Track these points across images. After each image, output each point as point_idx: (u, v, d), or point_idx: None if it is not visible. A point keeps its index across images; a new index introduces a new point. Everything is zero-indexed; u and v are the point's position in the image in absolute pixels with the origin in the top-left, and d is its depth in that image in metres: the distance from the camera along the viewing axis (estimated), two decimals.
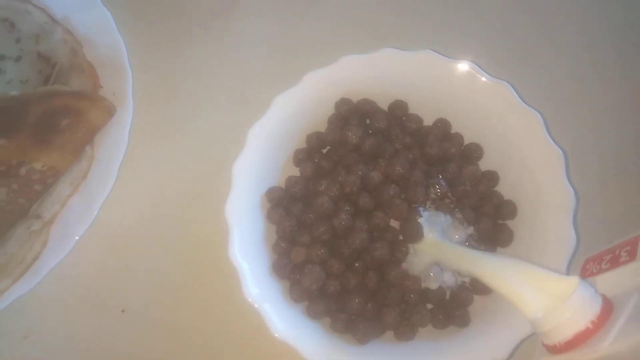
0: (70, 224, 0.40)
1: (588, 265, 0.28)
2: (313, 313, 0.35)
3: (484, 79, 0.37)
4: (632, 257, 0.20)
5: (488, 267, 0.23)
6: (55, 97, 0.41)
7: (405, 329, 0.35)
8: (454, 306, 0.36)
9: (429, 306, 0.36)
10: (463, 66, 0.37)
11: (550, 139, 0.35)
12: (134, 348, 0.39)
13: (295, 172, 0.39)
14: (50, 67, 0.43)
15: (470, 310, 0.36)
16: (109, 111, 0.41)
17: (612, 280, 0.21)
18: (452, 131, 0.40)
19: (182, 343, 0.39)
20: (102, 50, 0.44)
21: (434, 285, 0.36)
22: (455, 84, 0.38)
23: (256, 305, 0.33)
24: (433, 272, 0.35)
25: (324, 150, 0.40)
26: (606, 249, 0.26)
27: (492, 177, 0.38)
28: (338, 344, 0.34)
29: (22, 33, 0.45)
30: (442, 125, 0.39)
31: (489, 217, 0.37)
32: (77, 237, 0.39)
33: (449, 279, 0.36)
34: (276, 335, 0.33)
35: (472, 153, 0.39)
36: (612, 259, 0.24)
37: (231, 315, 0.38)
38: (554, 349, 0.21)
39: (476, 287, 0.36)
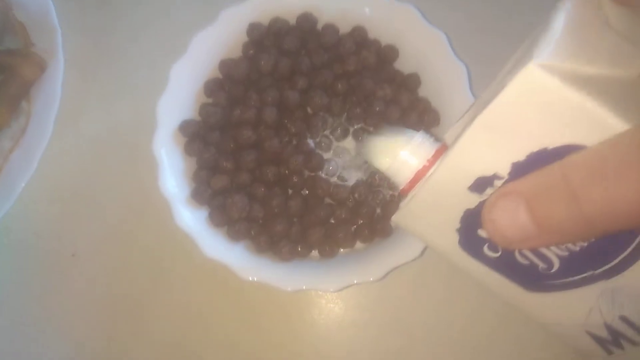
0: (13, 177, 0.42)
1: None
2: (234, 235, 0.36)
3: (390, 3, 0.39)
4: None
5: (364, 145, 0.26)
6: None
7: (328, 247, 0.37)
8: (381, 219, 0.38)
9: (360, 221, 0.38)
10: None
11: (454, 55, 0.37)
12: (86, 289, 0.41)
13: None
14: None
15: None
16: (41, 66, 0.43)
17: (454, 132, 0.24)
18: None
19: (129, 279, 0.41)
20: (31, 9, 0.45)
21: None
22: (365, 7, 0.40)
23: (187, 230, 0.36)
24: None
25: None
26: None
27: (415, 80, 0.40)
28: (266, 262, 0.37)
29: None
30: (359, 33, 0.40)
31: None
32: (22, 184, 0.41)
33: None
34: (209, 256, 0.35)
35: (387, 56, 0.40)
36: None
37: (168, 246, 0.40)
38: (403, 192, 0.23)
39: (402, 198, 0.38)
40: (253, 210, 0.37)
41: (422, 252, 0.34)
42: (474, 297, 0.39)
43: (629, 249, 0.19)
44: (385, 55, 0.40)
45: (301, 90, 0.38)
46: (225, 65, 0.39)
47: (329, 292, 0.39)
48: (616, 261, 0.19)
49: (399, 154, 0.22)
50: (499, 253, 0.21)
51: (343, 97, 0.39)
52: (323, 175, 0.39)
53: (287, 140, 0.38)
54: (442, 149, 0.22)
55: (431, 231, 0.23)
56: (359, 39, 0.39)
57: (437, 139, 0.23)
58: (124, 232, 0.42)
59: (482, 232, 0.21)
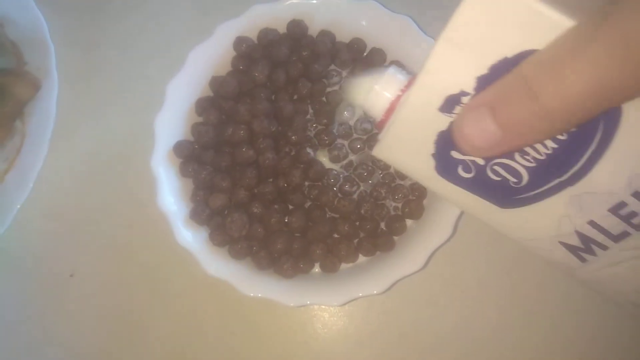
0: (9, 198, 0.41)
1: None
2: (236, 254, 0.36)
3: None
4: None
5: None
6: None
7: (330, 262, 0.37)
8: (384, 234, 0.38)
9: (362, 235, 0.38)
10: None
11: None
12: (84, 310, 0.41)
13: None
14: None
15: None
16: (34, 84, 0.42)
17: None
18: None
19: (128, 297, 0.41)
20: (24, 28, 0.45)
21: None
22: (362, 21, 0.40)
23: (189, 248, 0.35)
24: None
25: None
26: None
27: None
28: (268, 277, 0.36)
29: None
30: (358, 46, 0.40)
31: None
32: (18, 206, 0.40)
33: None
34: (211, 273, 0.35)
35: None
36: None
37: (167, 262, 0.40)
38: (380, 124, 0.24)
39: (406, 213, 0.38)
40: (253, 229, 0.36)
41: (425, 264, 0.34)
42: (476, 307, 0.39)
43: (589, 152, 0.20)
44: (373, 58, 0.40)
45: (296, 99, 0.38)
46: (216, 82, 0.39)
47: (332, 306, 0.39)
48: (579, 164, 0.20)
49: (373, 87, 0.23)
50: (473, 173, 0.22)
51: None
52: (325, 184, 0.38)
53: (286, 150, 0.38)
54: (414, 79, 0.23)
55: (409, 159, 0.24)
56: (357, 51, 0.39)
57: (409, 72, 0.24)
58: (122, 250, 0.42)
59: (455, 154, 0.22)
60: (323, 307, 0.40)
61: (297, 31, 0.39)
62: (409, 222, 0.38)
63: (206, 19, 0.46)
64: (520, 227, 0.24)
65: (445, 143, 0.22)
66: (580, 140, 0.20)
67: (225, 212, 0.36)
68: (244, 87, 0.38)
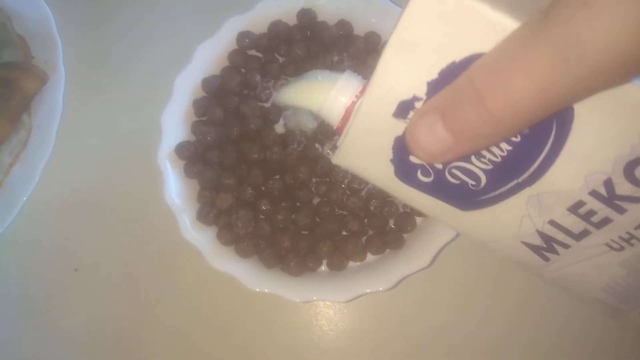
0: (15, 191, 0.41)
1: None
2: (243, 253, 0.36)
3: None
4: None
5: (289, 89, 0.26)
6: None
7: (337, 260, 0.36)
8: (393, 231, 0.37)
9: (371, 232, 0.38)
10: None
11: None
12: (89, 304, 0.41)
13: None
14: None
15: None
16: (42, 78, 0.42)
17: None
18: None
19: (133, 292, 0.40)
20: (31, 22, 0.45)
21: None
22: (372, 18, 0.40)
23: (195, 243, 0.35)
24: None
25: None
26: None
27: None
28: (274, 273, 0.36)
29: None
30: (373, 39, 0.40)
31: None
32: (24, 198, 0.40)
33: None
34: (217, 268, 0.35)
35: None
36: None
37: (173, 256, 0.40)
38: (338, 130, 0.24)
39: (415, 210, 0.37)
40: (259, 227, 0.36)
41: (432, 262, 0.34)
42: (482, 305, 0.39)
43: (544, 153, 0.20)
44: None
45: None
46: (207, 83, 0.39)
47: (338, 303, 0.39)
48: (535, 165, 0.20)
49: (329, 93, 0.23)
50: (432, 177, 0.22)
51: None
52: (333, 180, 0.38)
53: (293, 147, 0.38)
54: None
55: (368, 166, 0.24)
56: (371, 44, 0.39)
57: (364, 76, 0.23)
58: (127, 244, 0.41)
59: (413, 158, 0.22)
60: (328, 304, 0.39)
61: (306, 19, 0.39)
62: (417, 219, 0.38)
63: (214, 14, 0.46)
64: (483, 229, 0.24)
65: (403, 148, 0.22)
66: (534, 142, 0.19)
67: (232, 211, 0.36)
68: (230, 85, 0.38)
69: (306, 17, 0.39)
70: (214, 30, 0.40)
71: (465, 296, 0.39)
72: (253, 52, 0.40)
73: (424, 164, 0.22)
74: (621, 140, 0.18)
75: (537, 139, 0.19)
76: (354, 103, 0.23)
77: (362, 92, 0.23)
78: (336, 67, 0.39)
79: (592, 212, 0.20)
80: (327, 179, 0.38)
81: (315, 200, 0.38)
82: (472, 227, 0.24)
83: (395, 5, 0.39)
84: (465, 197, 0.22)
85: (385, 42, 0.20)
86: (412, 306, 0.39)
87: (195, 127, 0.38)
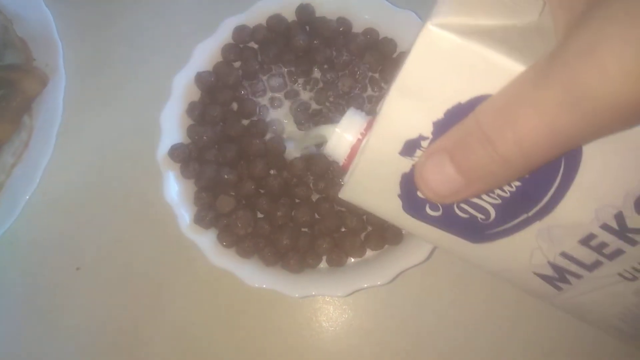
0: (16, 191, 0.42)
1: None
2: (244, 253, 0.36)
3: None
4: None
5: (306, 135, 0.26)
6: None
7: (336, 257, 0.37)
8: (392, 228, 0.37)
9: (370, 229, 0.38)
10: None
11: None
12: (90, 303, 0.41)
13: None
14: None
15: None
16: (42, 80, 0.43)
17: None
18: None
19: (135, 290, 0.41)
20: (32, 25, 0.46)
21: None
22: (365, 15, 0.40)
23: (195, 240, 0.36)
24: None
25: None
26: None
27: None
28: (274, 269, 0.36)
29: None
30: (371, 35, 0.40)
31: None
32: (26, 198, 0.41)
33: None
34: (217, 265, 0.35)
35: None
36: None
37: (173, 255, 0.40)
38: (344, 167, 0.24)
39: None
40: (258, 226, 0.36)
41: (430, 255, 0.34)
42: (481, 299, 0.39)
43: (553, 189, 0.20)
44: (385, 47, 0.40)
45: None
46: (200, 79, 0.39)
47: (337, 298, 0.39)
48: (544, 201, 0.20)
49: (334, 131, 0.24)
50: (440, 211, 0.22)
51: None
52: (331, 176, 0.38)
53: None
54: (374, 120, 0.23)
55: (375, 201, 0.24)
56: (370, 39, 0.40)
57: (368, 112, 0.24)
58: (129, 243, 0.42)
59: (421, 194, 0.22)
60: (328, 300, 0.40)
61: (305, 15, 0.40)
62: None
63: (212, 14, 0.46)
64: (494, 261, 0.24)
65: (410, 184, 0.22)
66: (543, 178, 0.20)
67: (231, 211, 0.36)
68: (225, 79, 0.39)
69: (305, 12, 0.40)
70: (212, 31, 0.40)
71: (463, 290, 0.39)
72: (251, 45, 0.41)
73: None
74: (630, 176, 0.19)
75: (546, 175, 0.20)
76: (359, 141, 0.23)
77: (367, 129, 0.23)
78: (335, 62, 0.39)
79: (604, 244, 0.20)
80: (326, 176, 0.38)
81: (314, 197, 0.38)
82: (482, 259, 0.24)
83: (389, 3, 0.39)
84: (474, 230, 0.22)
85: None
86: (410, 301, 0.39)
87: (191, 130, 0.38)
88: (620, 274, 0.21)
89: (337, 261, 0.37)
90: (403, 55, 0.38)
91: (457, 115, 0.18)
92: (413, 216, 0.23)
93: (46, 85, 0.43)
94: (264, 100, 0.40)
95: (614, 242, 0.20)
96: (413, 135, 0.20)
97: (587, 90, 0.14)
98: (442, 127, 0.19)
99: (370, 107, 0.39)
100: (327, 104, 0.38)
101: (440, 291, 0.39)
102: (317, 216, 0.38)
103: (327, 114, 0.39)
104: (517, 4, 0.18)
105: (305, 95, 0.40)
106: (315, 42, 0.39)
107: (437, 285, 0.39)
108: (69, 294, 0.41)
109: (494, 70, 0.17)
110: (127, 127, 0.45)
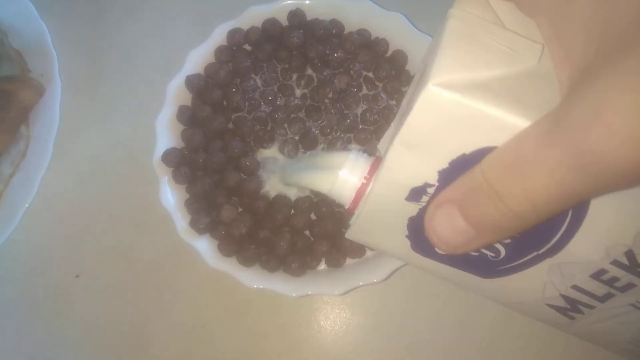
0: (15, 200, 0.42)
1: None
2: (244, 262, 0.36)
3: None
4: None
5: (290, 170, 0.27)
6: None
7: (334, 258, 0.37)
8: None
9: None
10: None
11: None
12: (91, 310, 0.41)
13: None
14: None
15: None
16: (39, 91, 0.43)
17: (386, 141, 0.25)
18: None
19: (135, 295, 0.41)
20: (27, 36, 0.46)
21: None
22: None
23: (192, 243, 0.36)
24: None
25: None
26: None
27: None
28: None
29: None
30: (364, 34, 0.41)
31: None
32: (25, 207, 0.41)
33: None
34: (214, 266, 0.36)
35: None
36: None
37: (172, 258, 0.41)
38: (350, 211, 0.24)
39: None
40: (256, 232, 0.37)
41: None
42: (477, 297, 0.39)
43: (563, 228, 0.20)
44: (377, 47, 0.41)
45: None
46: (190, 82, 0.40)
47: (334, 296, 0.40)
48: (555, 240, 0.20)
49: (338, 175, 0.24)
50: None
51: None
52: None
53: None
54: (377, 162, 0.23)
55: (384, 242, 0.24)
56: (364, 38, 0.40)
57: (370, 153, 0.24)
58: (128, 250, 0.42)
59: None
60: (326, 300, 0.40)
61: (296, 20, 0.40)
62: None
63: (204, 23, 0.47)
64: (505, 294, 0.24)
65: (418, 226, 0.22)
66: (553, 219, 0.19)
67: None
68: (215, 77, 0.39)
69: (296, 17, 0.40)
70: (206, 37, 0.41)
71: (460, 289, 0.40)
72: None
73: None
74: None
75: (558, 218, 0.20)
76: (364, 185, 0.23)
77: (371, 172, 0.23)
78: (329, 60, 0.40)
79: (615, 279, 0.21)
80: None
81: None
82: (494, 293, 0.24)
83: (378, 6, 0.40)
84: (485, 267, 0.23)
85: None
86: (407, 299, 0.40)
87: (183, 134, 0.39)
88: (632, 305, 0.22)
89: (335, 263, 0.37)
90: (396, 54, 0.39)
91: (462, 165, 0.19)
92: (422, 255, 0.23)
93: (42, 96, 0.44)
94: (255, 95, 0.40)
95: (625, 277, 0.21)
96: (419, 183, 0.20)
97: (594, 154, 0.14)
98: (448, 175, 0.19)
99: (366, 107, 0.39)
100: (326, 100, 0.39)
101: (437, 288, 0.40)
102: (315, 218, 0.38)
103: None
104: (515, 50, 0.18)
105: (298, 92, 0.40)
106: (309, 40, 0.40)
107: (434, 282, 0.40)
108: (70, 302, 0.41)
109: (496, 125, 0.17)
110: (124, 133, 0.45)
